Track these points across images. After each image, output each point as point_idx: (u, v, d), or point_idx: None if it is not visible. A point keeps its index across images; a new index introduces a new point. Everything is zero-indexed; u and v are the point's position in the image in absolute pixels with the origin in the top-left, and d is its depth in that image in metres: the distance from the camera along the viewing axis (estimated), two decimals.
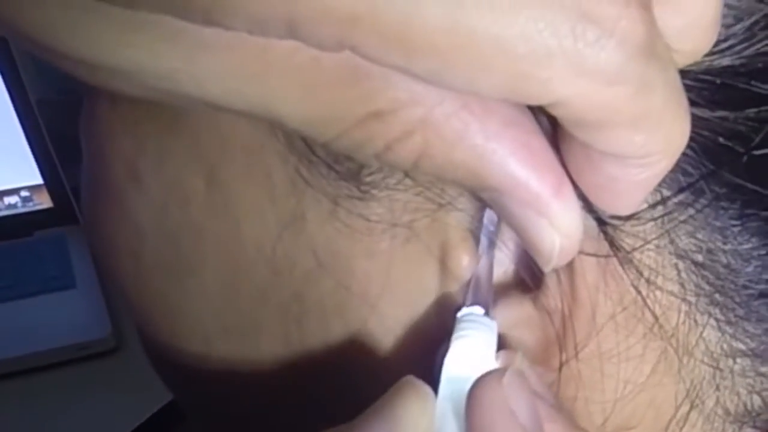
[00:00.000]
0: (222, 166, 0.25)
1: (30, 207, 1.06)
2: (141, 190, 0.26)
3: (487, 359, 0.22)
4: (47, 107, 1.05)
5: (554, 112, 0.18)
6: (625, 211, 0.21)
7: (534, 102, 0.17)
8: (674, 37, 0.18)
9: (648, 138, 0.18)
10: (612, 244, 0.23)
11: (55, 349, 0.95)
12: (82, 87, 0.27)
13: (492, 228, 0.23)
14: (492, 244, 0.23)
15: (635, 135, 0.18)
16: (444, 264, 0.24)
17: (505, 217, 0.20)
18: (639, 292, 0.23)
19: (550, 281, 0.23)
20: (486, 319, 0.22)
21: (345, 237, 0.24)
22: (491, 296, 0.23)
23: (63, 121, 1.03)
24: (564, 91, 0.17)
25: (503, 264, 0.24)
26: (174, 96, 0.19)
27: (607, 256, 0.23)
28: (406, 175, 0.23)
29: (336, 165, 0.23)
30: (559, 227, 0.19)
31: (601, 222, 0.23)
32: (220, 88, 0.18)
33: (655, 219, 0.22)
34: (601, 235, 0.22)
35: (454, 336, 0.22)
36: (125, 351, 0.97)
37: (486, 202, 0.20)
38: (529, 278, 0.24)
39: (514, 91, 0.17)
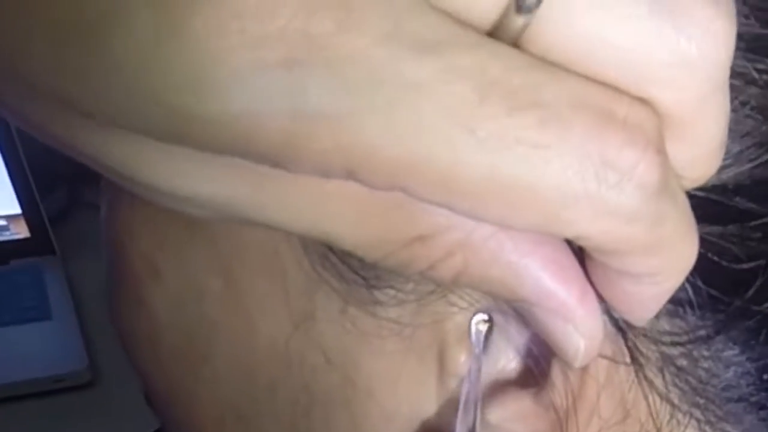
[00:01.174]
0: (238, 267, 0.27)
1: (6, 236, 1.06)
2: (159, 283, 0.28)
3: None
4: (27, 136, 1.04)
5: (578, 243, 0.19)
6: (640, 322, 0.22)
7: (560, 236, 0.19)
8: (684, 167, 0.20)
9: (661, 262, 0.20)
10: (630, 350, 0.25)
11: (29, 380, 0.95)
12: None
13: (481, 337, 0.25)
14: (480, 347, 0.25)
15: (649, 260, 0.20)
16: (442, 363, 0.25)
17: (533, 323, 0.22)
18: (646, 398, 0.25)
19: (557, 377, 0.25)
20: None
21: (353, 336, 0.26)
22: (479, 414, 0.24)
23: (42, 151, 1.03)
24: (587, 229, 0.18)
25: (510, 358, 0.26)
26: (232, 218, 0.20)
27: (624, 363, 0.25)
28: (419, 282, 0.25)
29: (355, 269, 0.25)
30: (583, 332, 0.21)
31: (620, 329, 0.24)
32: (280, 214, 0.19)
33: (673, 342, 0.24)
34: (620, 339, 0.24)
35: None
36: (101, 384, 0.97)
37: (517, 311, 0.22)
38: (536, 372, 0.25)
39: (543, 228, 0.19)
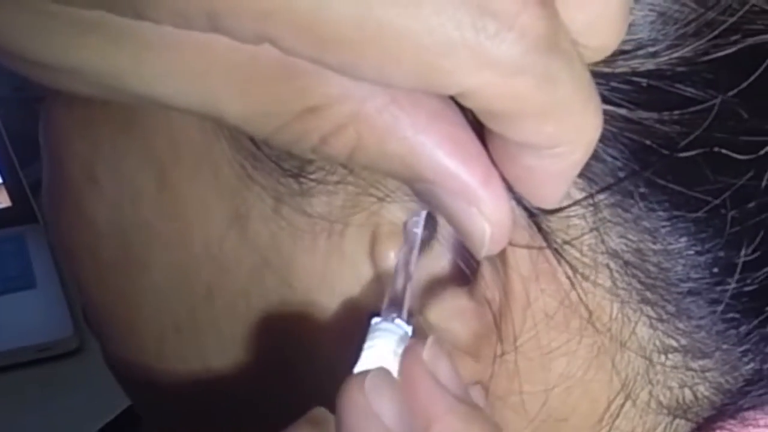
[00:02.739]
0: (172, 167, 0.26)
1: None
2: (97, 190, 0.28)
3: (391, 368, 0.22)
4: (4, 105, 1.04)
5: (465, 103, 0.19)
6: (549, 203, 0.21)
7: (443, 92, 0.19)
8: (580, 33, 0.19)
9: (557, 129, 0.19)
10: (544, 235, 0.24)
11: (15, 349, 0.94)
12: (38, 89, 0.28)
13: (416, 228, 0.24)
14: (414, 240, 0.24)
15: (544, 126, 0.19)
16: (373, 259, 0.25)
17: (438, 208, 0.21)
18: (573, 285, 0.24)
19: (486, 272, 0.24)
20: (396, 326, 0.23)
21: (287, 234, 0.25)
22: (409, 298, 0.24)
23: (21, 119, 1.02)
24: (469, 82, 0.18)
25: (440, 257, 0.25)
26: (123, 95, 0.20)
27: (538, 248, 0.24)
28: (349, 172, 0.24)
29: (281, 162, 0.24)
30: (488, 216, 0.20)
31: (532, 215, 0.23)
32: (165, 87, 0.19)
33: (581, 214, 0.23)
34: (533, 227, 0.23)
35: (365, 346, 0.23)
36: (88, 351, 0.96)
37: (420, 194, 0.21)
38: (467, 269, 0.25)
39: (423, 81, 0.18)
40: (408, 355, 0.22)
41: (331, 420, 0.22)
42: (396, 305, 0.23)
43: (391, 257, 0.24)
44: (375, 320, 0.23)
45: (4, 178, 1.04)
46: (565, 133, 0.19)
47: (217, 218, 0.26)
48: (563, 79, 0.18)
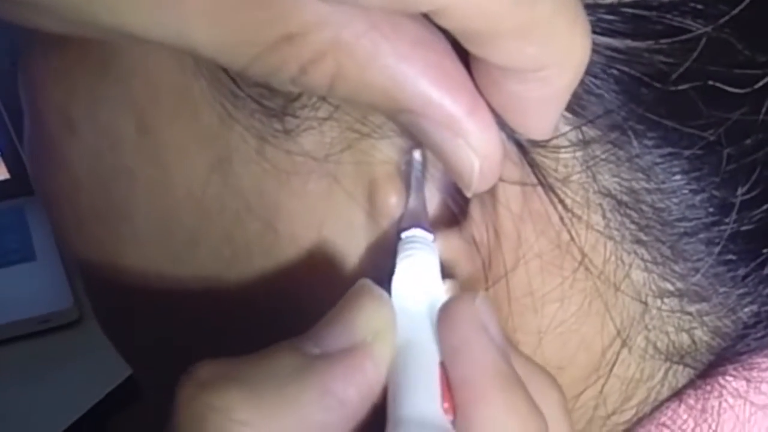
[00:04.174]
0: (151, 111, 0.25)
1: None
2: (75, 137, 0.27)
3: (432, 279, 0.22)
4: (2, 78, 1.03)
5: (442, 22, 0.18)
6: (539, 134, 0.21)
7: (416, 9, 0.18)
8: None
9: (540, 50, 0.18)
10: (534, 170, 0.23)
11: (16, 322, 0.95)
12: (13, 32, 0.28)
13: (419, 163, 0.23)
14: (421, 178, 0.23)
15: (526, 46, 0.18)
16: (372, 202, 0.24)
17: (424, 141, 0.20)
18: (564, 223, 0.23)
19: (475, 211, 0.23)
20: (428, 240, 0.23)
21: (272, 177, 0.24)
22: (428, 222, 0.23)
23: (18, 91, 1.02)
24: None
25: (431, 198, 0.24)
26: (94, 29, 0.19)
27: (530, 185, 0.23)
28: (332, 106, 0.23)
29: (263, 101, 0.23)
30: (476, 147, 0.19)
31: (523, 150, 0.23)
32: (136, 17, 0.18)
33: (572, 151, 0.23)
34: (524, 163, 0.23)
35: (400, 256, 0.22)
36: (87, 323, 0.96)
37: (406, 127, 0.20)
38: (456, 210, 0.24)
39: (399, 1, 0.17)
40: (461, 302, 0.21)
41: (378, 291, 0.21)
42: (419, 226, 0.23)
43: (393, 201, 0.24)
44: (405, 234, 0.23)
45: (2, 151, 1.04)
46: (549, 54, 0.18)
47: (198, 162, 0.25)
48: None
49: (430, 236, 0.23)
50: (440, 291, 0.22)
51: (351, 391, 0.19)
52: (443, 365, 0.20)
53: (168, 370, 0.31)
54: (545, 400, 0.21)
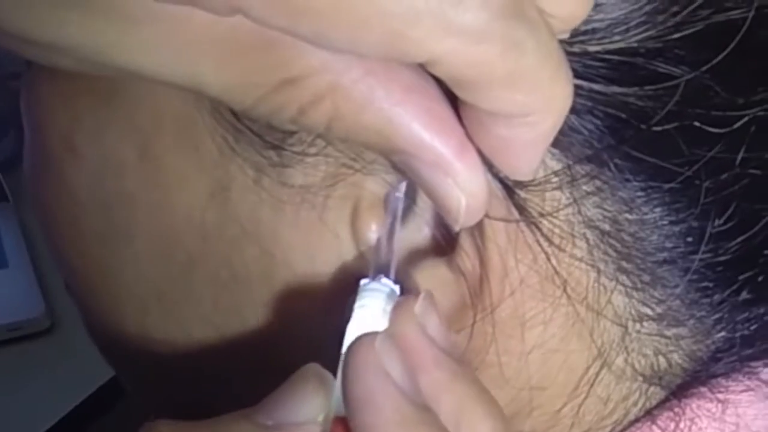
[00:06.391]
0: (154, 139, 0.26)
1: None
2: (77, 161, 0.28)
3: (383, 327, 0.23)
4: None
5: (434, 71, 0.19)
6: (523, 174, 0.22)
7: (412, 60, 0.19)
8: (547, 1, 0.19)
9: (527, 97, 0.19)
10: (519, 208, 0.24)
11: None
12: (9, 66, 0.28)
13: (400, 195, 0.24)
14: (396, 211, 0.24)
15: (514, 94, 0.19)
16: (355, 231, 0.25)
17: (415, 179, 0.22)
18: (547, 256, 0.24)
19: (465, 244, 0.25)
20: (386, 286, 0.24)
21: (268, 206, 0.25)
22: (394, 259, 0.24)
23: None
24: (435, 49, 0.18)
25: (420, 230, 0.25)
26: (106, 69, 0.20)
27: (514, 221, 0.24)
28: (327, 143, 0.24)
29: (262, 135, 0.25)
30: (463, 186, 0.21)
31: (508, 188, 0.24)
32: (147, 60, 0.20)
33: (559, 186, 0.24)
34: (509, 200, 0.24)
35: (355, 306, 0.23)
36: (60, 331, 0.95)
37: (398, 165, 0.22)
38: (444, 242, 0.25)
39: (392, 49, 0.18)
40: (399, 308, 0.22)
41: (326, 375, 0.22)
42: (382, 271, 0.24)
43: (372, 229, 0.25)
44: (364, 281, 0.24)
45: None
46: (534, 101, 0.19)
47: (199, 189, 0.26)
48: (529, 46, 0.19)
49: (388, 284, 0.24)
50: None
51: None
52: (344, 422, 0.21)
53: (157, 385, 0.32)
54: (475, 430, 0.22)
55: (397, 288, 0.24)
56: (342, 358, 0.22)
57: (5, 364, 0.93)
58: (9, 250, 1.01)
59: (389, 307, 0.23)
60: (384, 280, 0.24)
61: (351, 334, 0.23)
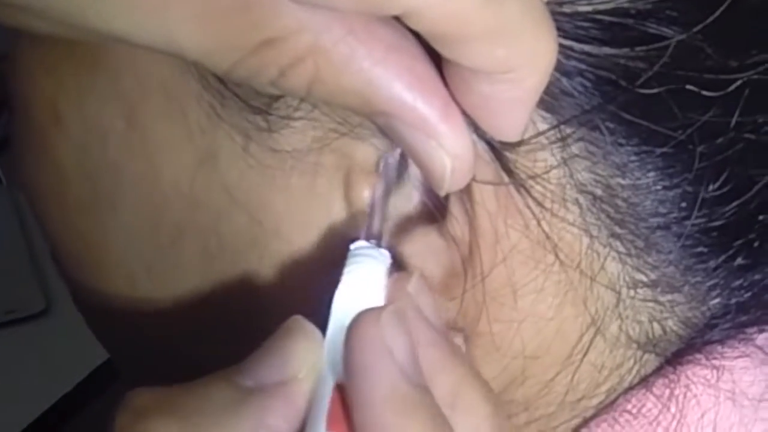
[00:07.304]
0: (140, 106, 0.26)
1: None
2: (62, 130, 0.27)
3: (374, 293, 0.23)
4: None
5: (412, 25, 0.19)
6: (509, 135, 0.22)
7: (387, 12, 0.19)
8: None
9: (509, 52, 0.19)
10: (507, 171, 0.24)
11: None
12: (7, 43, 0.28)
13: (393, 161, 0.24)
14: (390, 177, 0.24)
15: (495, 48, 0.19)
16: (348, 197, 0.25)
17: (398, 142, 0.21)
18: (538, 221, 0.24)
19: (455, 210, 0.24)
20: (376, 251, 0.23)
21: (256, 173, 0.25)
22: (386, 226, 0.24)
23: None
24: (411, 1, 0.18)
25: (410, 197, 0.25)
26: (83, 32, 0.20)
27: (503, 184, 0.24)
28: (313, 106, 0.24)
29: (248, 100, 0.24)
30: (448, 148, 0.20)
31: (496, 151, 0.24)
32: (124, 23, 0.19)
33: (549, 148, 0.23)
34: (497, 162, 0.23)
35: (345, 270, 0.23)
36: (54, 313, 0.95)
37: (381, 128, 0.21)
38: (435, 208, 0.25)
39: (371, 4, 0.18)
40: (394, 286, 0.22)
41: (312, 329, 0.22)
42: (373, 237, 0.23)
43: (365, 196, 0.24)
44: (354, 246, 0.23)
45: None
46: (516, 56, 0.19)
47: (186, 157, 0.26)
48: (510, 0, 0.18)
49: (379, 250, 0.23)
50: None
51: (283, 424, 0.21)
52: (341, 389, 0.21)
53: (148, 359, 0.32)
54: (471, 416, 0.22)
55: (387, 253, 0.23)
56: (330, 321, 0.22)
57: (2, 346, 0.93)
58: (3, 233, 1.00)
59: (379, 273, 0.23)
60: (374, 244, 0.23)
61: (340, 299, 0.22)
